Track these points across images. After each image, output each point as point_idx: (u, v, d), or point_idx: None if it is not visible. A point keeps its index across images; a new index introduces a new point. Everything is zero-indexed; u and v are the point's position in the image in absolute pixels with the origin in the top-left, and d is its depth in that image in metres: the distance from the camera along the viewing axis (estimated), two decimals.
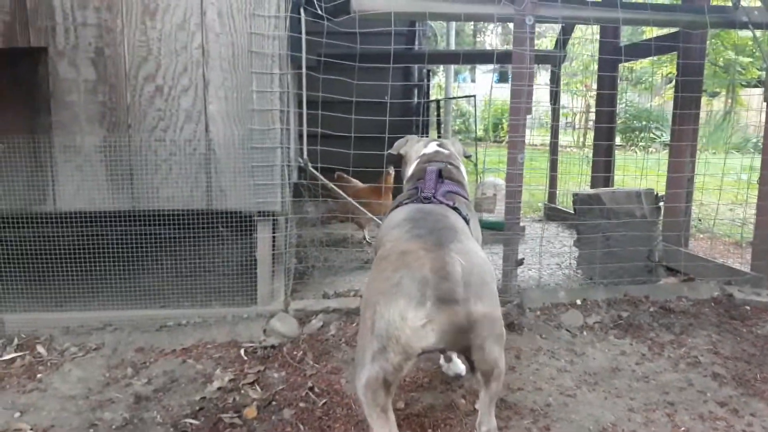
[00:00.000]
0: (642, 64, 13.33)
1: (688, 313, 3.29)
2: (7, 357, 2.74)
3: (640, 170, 4.50)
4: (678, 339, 3.02)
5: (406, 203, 2.24)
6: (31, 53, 2.96)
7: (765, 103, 3.72)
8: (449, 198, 2.26)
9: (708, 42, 4.81)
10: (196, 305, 3.25)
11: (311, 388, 2.48)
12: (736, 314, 3.29)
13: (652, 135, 13.26)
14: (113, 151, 3.06)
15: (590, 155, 5.87)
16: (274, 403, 2.39)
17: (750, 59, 11.74)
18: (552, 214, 6.10)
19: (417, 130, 6.47)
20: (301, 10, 3.21)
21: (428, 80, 7.20)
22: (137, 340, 2.92)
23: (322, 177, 3.60)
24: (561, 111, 8.20)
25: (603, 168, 5.30)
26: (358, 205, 4.09)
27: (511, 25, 3.44)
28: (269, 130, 3.10)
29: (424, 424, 2.23)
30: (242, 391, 2.47)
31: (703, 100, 5.31)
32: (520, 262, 3.55)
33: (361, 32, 3.24)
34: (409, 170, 2.64)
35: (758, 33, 3.74)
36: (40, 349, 2.81)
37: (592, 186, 5.44)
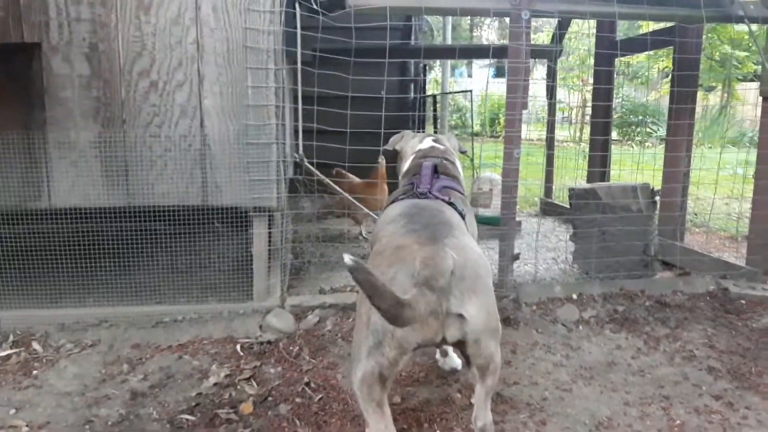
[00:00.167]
0: (638, 59, 13.32)
1: (684, 307, 3.30)
2: (2, 354, 2.73)
3: (637, 165, 4.51)
4: (673, 333, 3.03)
5: (401, 199, 2.24)
6: (25, 49, 2.95)
7: (761, 98, 3.72)
8: (445, 193, 2.26)
9: (704, 36, 4.81)
10: (192, 301, 3.25)
11: (307, 384, 2.49)
12: (731, 308, 3.30)
13: (648, 130, 13.27)
14: (108, 146, 3.05)
15: (586, 150, 5.88)
16: (270, 398, 2.39)
17: (746, 53, 11.73)
18: (548, 208, 6.10)
19: (413, 126, 6.46)
20: (296, 5, 3.20)
21: (424, 75, 7.18)
22: (133, 337, 2.91)
23: (317, 172, 3.59)
24: (558, 106, 8.19)
25: (599, 163, 5.30)
26: (354, 200, 4.08)
27: (507, 20, 3.42)
28: (264, 125, 3.09)
29: (420, 418, 2.23)
30: (238, 387, 2.47)
31: (699, 94, 5.31)
32: (516, 257, 3.55)
33: (356, 27, 3.23)
34: (405, 166, 2.64)
35: (754, 27, 3.74)
36: (36, 345, 2.81)
37: (589, 180, 5.45)
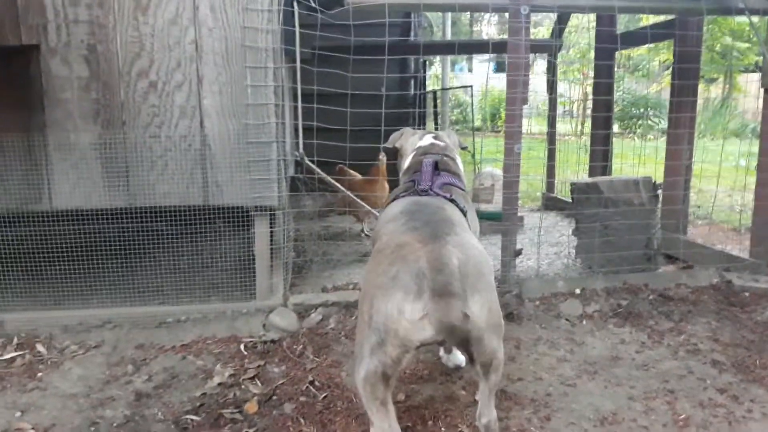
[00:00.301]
0: (639, 52, 13.28)
1: (687, 301, 3.29)
2: (7, 356, 2.74)
3: (638, 158, 4.50)
4: (677, 326, 3.02)
5: (402, 196, 2.23)
6: (23, 51, 2.94)
7: (763, 90, 3.70)
8: (446, 190, 2.25)
9: (705, 28, 4.79)
10: (195, 301, 3.25)
11: (312, 382, 2.49)
12: (735, 301, 3.29)
13: (650, 122, 13.23)
14: (108, 148, 3.04)
15: (588, 144, 5.86)
16: (274, 397, 2.39)
17: (747, 45, 11.69)
18: (550, 203, 6.09)
19: (414, 122, 6.45)
20: (295, 3, 3.19)
21: (424, 71, 7.16)
22: (137, 337, 2.92)
23: (319, 170, 3.59)
24: (558, 100, 8.16)
25: (601, 157, 5.29)
26: (355, 198, 4.08)
27: (507, 15, 3.41)
28: (264, 124, 3.08)
29: (424, 416, 2.23)
30: (243, 386, 2.47)
31: (701, 86, 5.29)
32: (519, 252, 3.55)
33: (355, 24, 3.22)
34: (405, 163, 2.63)
35: (755, 19, 3.72)
36: (40, 347, 2.81)
37: (590, 175, 5.43)
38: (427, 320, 1.58)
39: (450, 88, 11.77)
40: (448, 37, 12.06)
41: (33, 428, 2.21)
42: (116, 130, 3.05)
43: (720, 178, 4.06)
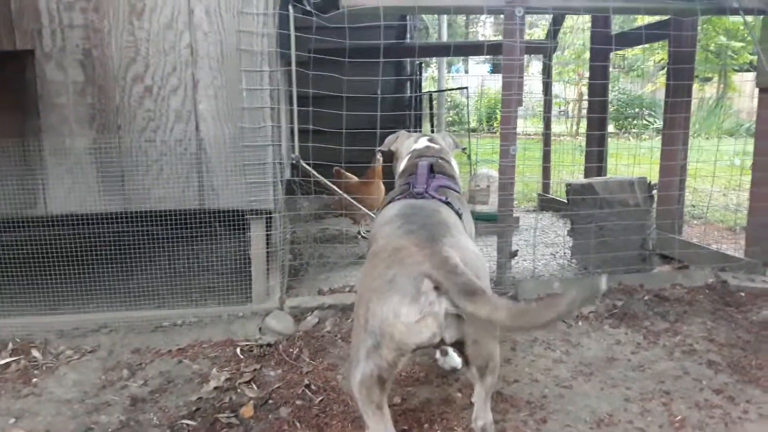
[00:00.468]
0: (634, 52, 13.32)
1: (683, 301, 3.30)
2: (1, 362, 2.73)
3: (633, 157, 4.51)
4: (673, 327, 3.03)
5: (398, 199, 2.23)
6: (18, 56, 2.94)
7: (758, 89, 3.72)
8: (441, 193, 2.25)
9: (699, 27, 4.81)
10: (191, 305, 3.25)
11: (308, 386, 2.49)
12: (730, 301, 3.30)
13: (645, 121, 13.27)
14: (104, 152, 3.04)
15: (583, 144, 5.87)
16: (270, 401, 2.39)
17: (742, 44, 11.74)
18: (546, 204, 6.10)
19: (410, 124, 6.46)
20: (290, 7, 3.19)
21: (420, 73, 7.18)
22: (133, 342, 2.91)
23: (315, 173, 3.59)
24: (554, 100, 8.19)
25: (596, 157, 5.30)
26: (352, 200, 4.08)
27: (502, 16, 3.42)
28: (260, 128, 3.08)
29: (420, 419, 2.23)
30: (239, 390, 2.47)
31: (695, 85, 5.30)
32: (514, 254, 3.55)
33: (350, 27, 3.22)
34: (401, 166, 2.63)
35: (749, 18, 3.73)
36: (35, 353, 2.80)
37: (586, 175, 5.45)
38: (424, 323, 1.57)
39: (446, 90, 11.80)
40: (445, 38, 12.07)
41: None
42: (112, 134, 3.04)
43: (715, 178, 4.07)
